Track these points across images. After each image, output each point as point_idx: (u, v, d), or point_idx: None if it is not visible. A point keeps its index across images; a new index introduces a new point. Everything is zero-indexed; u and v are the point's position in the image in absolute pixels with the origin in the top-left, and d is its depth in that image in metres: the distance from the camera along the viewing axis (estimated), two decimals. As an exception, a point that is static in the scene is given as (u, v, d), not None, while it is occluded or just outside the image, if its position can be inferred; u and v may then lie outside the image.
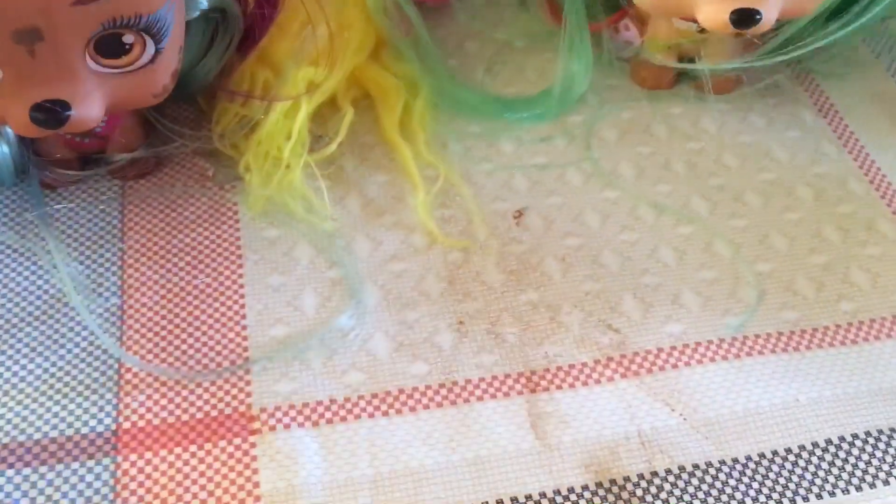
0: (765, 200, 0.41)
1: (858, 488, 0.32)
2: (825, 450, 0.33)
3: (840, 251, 0.39)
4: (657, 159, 0.42)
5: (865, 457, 0.32)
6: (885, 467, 0.32)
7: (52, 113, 0.32)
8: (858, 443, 0.33)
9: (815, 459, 0.32)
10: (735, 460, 0.32)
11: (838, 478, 0.32)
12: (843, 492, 0.31)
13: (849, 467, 0.32)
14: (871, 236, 0.39)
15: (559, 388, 0.34)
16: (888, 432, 0.33)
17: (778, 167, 0.42)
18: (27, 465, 0.31)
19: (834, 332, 0.36)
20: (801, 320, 0.36)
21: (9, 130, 0.36)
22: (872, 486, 0.32)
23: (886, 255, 0.39)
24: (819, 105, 0.45)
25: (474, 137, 0.43)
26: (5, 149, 0.36)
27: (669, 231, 0.39)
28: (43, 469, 0.31)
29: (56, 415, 0.32)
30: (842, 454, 0.32)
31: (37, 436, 0.32)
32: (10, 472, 0.31)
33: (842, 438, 0.33)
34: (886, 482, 0.32)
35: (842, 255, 0.39)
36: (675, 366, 0.35)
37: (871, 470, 0.32)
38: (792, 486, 0.31)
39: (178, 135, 0.39)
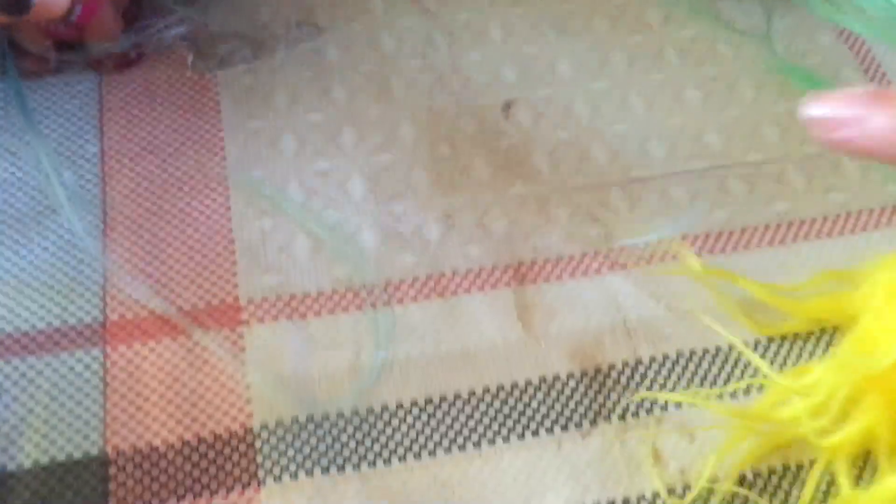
0: (757, 92, 0.40)
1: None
2: (806, 340, 0.33)
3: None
4: (650, 48, 0.41)
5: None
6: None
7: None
8: (839, 333, 0.33)
9: (795, 348, 0.33)
10: (718, 348, 0.32)
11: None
12: (823, 380, 0.32)
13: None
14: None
15: (546, 280, 0.34)
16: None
17: (772, 57, 0.41)
18: (15, 354, 0.31)
19: (822, 223, 0.36)
20: (790, 212, 0.36)
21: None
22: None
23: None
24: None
25: (461, 26, 0.41)
26: (-23, 37, 0.35)
27: (660, 123, 0.39)
28: (31, 359, 0.31)
29: (43, 306, 0.32)
30: (823, 344, 0.33)
31: (24, 327, 0.32)
32: (-1, 363, 0.31)
33: (823, 331, 0.33)
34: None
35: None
36: (662, 258, 0.35)
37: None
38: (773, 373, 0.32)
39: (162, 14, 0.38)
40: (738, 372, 0.32)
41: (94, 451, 0.29)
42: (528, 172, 0.37)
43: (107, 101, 0.37)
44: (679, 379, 0.32)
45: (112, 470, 0.29)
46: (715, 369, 0.32)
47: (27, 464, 0.29)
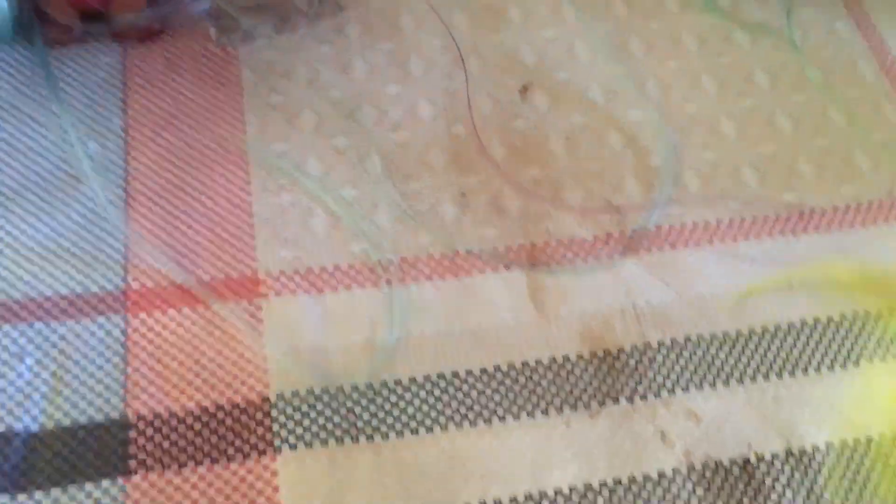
0: (772, 80, 0.40)
1: (843, 365, 0.33)
2: (813, 328, 0.34)
3: (844, 135, 0.39)
4: (668, 35, 0.42)
5: (852, 336, 0.33)
6: (871, 346, 0.33)
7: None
8: (846, 323, 0.34)
9: (802, 337, 0.33)
10: (726, 335, 0.33)
11: (824, 355, 0.33)
12: (828, 368, 0.33)
13: (835, 346, 0.33)
14: (878, 121, 0.39)
15: (559, 262, 0.35)
16: (876, 314, 0.34)
17: (789, 48, 0.41)
18: (39, 319, 0.32)
19: (832, 213, 0.36)
20: (798, 203, 0.37)
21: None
22: (857, 363, 0.33)
23: (891, 141, 0.39)
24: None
25: (482, 7, 0.42)
26: (2, 1, 0.35)
27: (676, 110, 0.39)
28: (55, 324, 0.32)
29: (66, 273, 0.33)
30: (829, 333, 0.34)
31: (47, 292, 0.32)
32: (22, 326, 0.31)
33: (829, 318, 0.34)
34: (871, 360, 0.33)
35: (845, 139, 0.39)
36: (673, 245, 0.35)
37: (857, 349, 0.33)
38: (780, 360, 0.33)
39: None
40: (745, 358, 0.33)
41: (115, 415, 0.30)
42: (543, 155, 0.37)
43: (130, 72, 0.38)
44: (687, 364, 0.32)
45: (132, 433, 0.30)
46: (722, 355, 0.33)
47: (50, 425, 0.30)
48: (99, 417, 0.30)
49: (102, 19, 0.38)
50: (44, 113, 0.36)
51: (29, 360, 0.31)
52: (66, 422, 0.30)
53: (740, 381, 0.32)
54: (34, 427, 0.30)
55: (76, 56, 0.38)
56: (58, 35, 0.37)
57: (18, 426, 0.30)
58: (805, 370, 0.33)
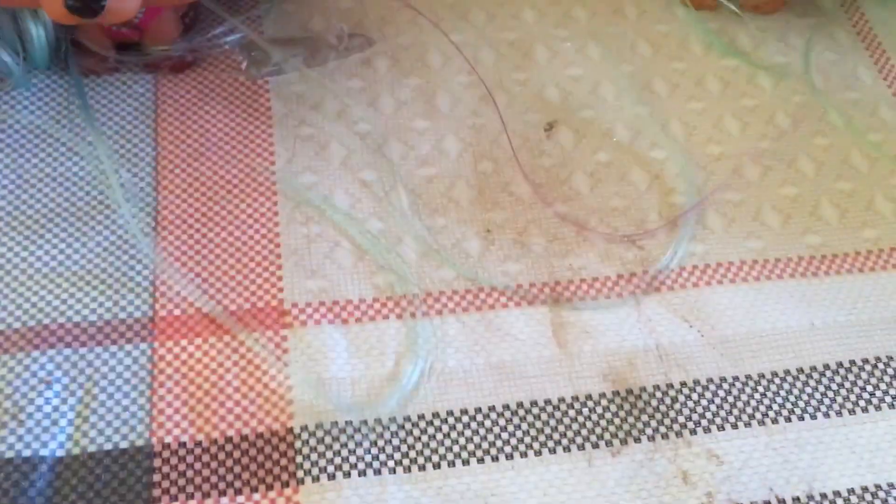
0: (795, 123, 0.41)
1: (865, 410, 0.33)
2: (836, 371, 0.34)
3: (867, 179, 0.39)
4: (691, 76, 0.42)
5: (874, 381, 0.33)
6: (893, 392, 0.33)
7: (87, 1, 0.31)
8: (868, 367, 0.34)
9: (824, 380, 0.33)
10: (748, 377, 0.33)
11: (846, 399, 0.33)
12: (849, 412, 0.33)
13: (857, 389, 0.33)
14: (899, 166, 0.40)
15: (582, 299, 0.35)
16: (898, 358, 0.34)
17: (811, 91, 0.42)
18: (68, 345, 0.32)
19: (854, 258, 0.37)
20: (822, 246, 0.37)
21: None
22: (878, 408, 0.33)
23: (912, 185, 0.39)
24: (858, 28, 0.45)
25: (507, 45, 0.42)
26: (41, 31, 0.36)
27: (699, 150, 0.39)
28: (83, 350, 0.32)
29: (94, 299, 0.33)
30: (851, 377, 0.34)
31: (76, 318, 0.33)
32: (51, 352, 0.32)
33: (852, 362, 0.34)
34: (892, 406, 0.33)
35: (868, 183, 0.39)
36: (696, 284, 0.35)
37: (878, 393, 0.33)
38: (801, 403, 0.33)
39: (219, 20, 0.39)
40: (766, 400, 0.33)
41: (140, 443, 0.30)
42: (567, 192, 0.38)
43: (162, 102, 0.38)
44: (709, 404, 0.32)
45: (157, 462, 0.30)
46: (745, 396, 0.33)
47: (75, 451, 0.30)
48: (124, 445, 0.30)
49: (136, 50, 0.38)
50: (78, 141, 0.37)
51: (56, 387, 0.31)
52: (92, 448, 0.30)
53: (762, 422, 0.32)
54: (60, 453, 0.30)
55: (109, 85, 0.39)
56: (92, 64, 0.38)
57: (44, 452, 0.30)
58: (827, 413, 0.33)
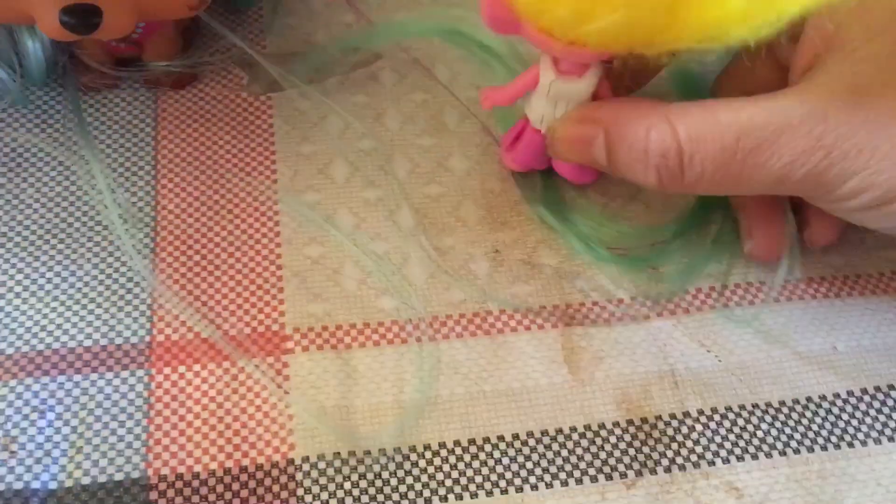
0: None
1: (892, 439, 0.31)
2: (860, 398, 0.32)
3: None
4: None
5: (900, 409, 0.32)
6: (920, 420, 0.32)
7: (82, 17, 0.31)
8: (894, 394, 0.32)
9: (848, 408, 0.32)
10: (769, 404, 0.32)
11: (871, 427, 0.32)
12: (875, 441, 0.31)
13: (882, 417, 0.32)
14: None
15: (594, 322, 0.34)
16: (925, 385, 0.33)
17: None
18: (62, 372, 0.31)
19: (877, 280, 0.35)
20: (845, 266, 0.36)
21: (41, 29, 0.35)
22: (905, 437, 0.32)
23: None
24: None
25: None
26: (38, 46, 0.35)
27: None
28: (77, 377, 0.31)
29: (90, 324, 0.32)
30: (877, 404, 0.32)
31: (71, 344, 0.32)
32: (44, 379, 0.31)
33: (877, 388, 0.33)
34: (919, 435, 0.32)
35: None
36: (712, 307, 0.34)
37: (905, 421, 0.32)
38: (825, 432, 0.31)
39: (220, 35, 0.38)
40: (788, 429, 0.31)
41: (136, 475, 0.29)
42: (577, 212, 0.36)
43: (162, 118, 0.37)
44: (727, 434, 0.31)
45: (153, 495, 0.29)
46: (764, 426, 0.31)
47: (69, 483, 0.29)
48: (119, 477, 0.29)
49: (136, 66, 0.37)
50: (76, 160, 0.36)
51: (50, 416, 0.30)
52: (86, 481, 0.29)
53: (783, 453, 0.31)
54: (52, 485, 0.29)
55: (109, 102, 0.38)
56: (91, 80, 0.37)
57: (36, 484, 0.29)
58: (851, 443, 0.31)
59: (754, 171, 0.28)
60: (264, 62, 0.38)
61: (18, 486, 0.29)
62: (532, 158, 0.35)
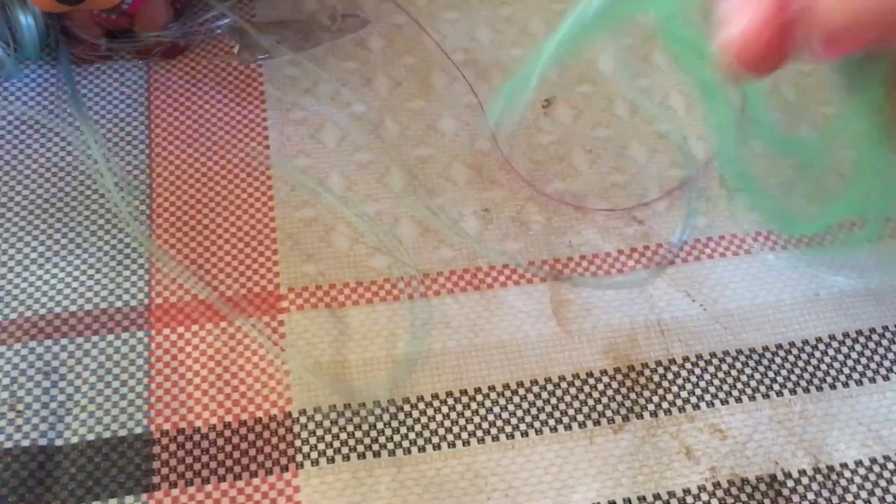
0: (798, 94, 0.40)
1: (872, 380, 0.32)
2: (842, 342, 0.33)
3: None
4: (690, 48, 0.41)
5: (881, 350, 0.33)
6: (900, 361, 0.33)
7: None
8: (875, 337, 0.33)
9: (830, 351, 0.33)
10: (752, 350, 0.33)
11: (853, 369, 0.32)
12: (856, 383, 0.32)
13: (864, 360, 0.33)
14: None
15: (582, 276, 0.34)
16: (906, 328, 0.34)
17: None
18: (64, 335, 0.32)
19: (860, 227, 0.36)
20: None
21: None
22: (886, 378, 0.32)
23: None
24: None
25: (504, 21, 0.42)
26: (30, 21, 0.36)
27: (699, 122, 0.39)
28: (80, 340, 0.32)
29: (90, 289, 0.33)
30: (858, 347, 0.33)
31: (72, 308, 0.32)
32: (48, 342, 0.32)
33: (859, 332, 0.33)
34: (900, 376, 0.32)
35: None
36: (697, 258, 0.35)
37: (886, 363, 0.33)
38: (807, 375, 0.32)
39: (210, 5, 0.38)
40: (771, 373, 0.32)
41: (139, 430, 0.30)
42: (566, 169, 0.37)
43: (155, 88, 0.38)
44: (712, 379, 0.32)
45: (156, 448, 0.30)
46: (748, 370, 0.32)
47: (74, 440, 0.30)
48: (123, 433, 0.30)
49: (127, 37, 0.38)
50: (71, 131, 0.36)
51: (54, 377, 0.31)
52: (90, 437, 0.30)
53: (766, 396, 0.32)
54: (58, 441, 0.30)
55: (102, 73, 0.38)
56: (83, 53, 0.38)
57: (43, 441, 0.30)
58: (833, 385, 0.32)
59: None
60: (254, 31, 0.39)
61: (26, 443, 0.30)
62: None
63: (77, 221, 0.34)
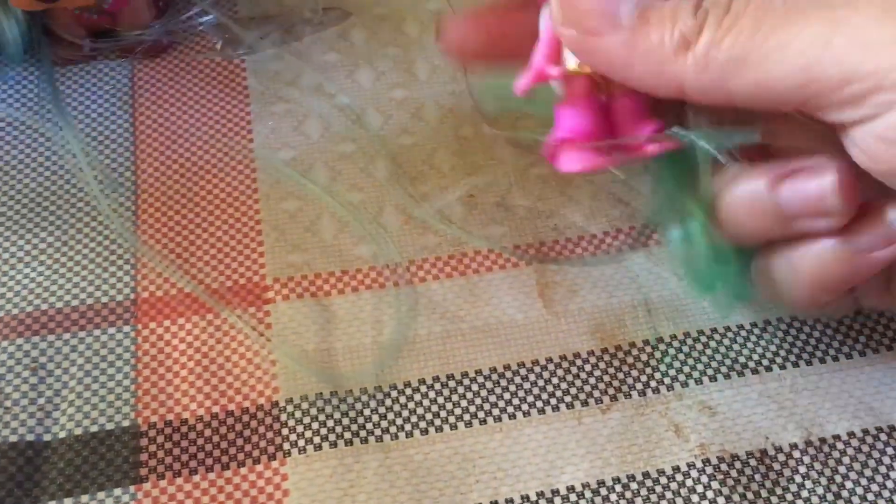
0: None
1: (863, 353, 0.32)
2: (831, 316, 0.33)
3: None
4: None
5: (871, 324, 0.33)
6: (891, 334, 0.32)
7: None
8: (861, 316, 0.33)
9: (819, 326, 0.33)
10: (741, 326, 0.33)
11: (843, 343, 0.32)
12: (846, 356, 0.32)
13: (853, 333, 0.32)
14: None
15: (568, 258, 0.34)
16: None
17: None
18: (51, 332, 0.32)
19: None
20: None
21: (17, 8, 0.36)
22: (876, 351, 0.32)
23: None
24: None
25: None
26: (12, 23, 0.36)
27: (684, 103, 0.39)
28: (66, 336, 0.32)
29: (76, 285, 0.33)
30: (847, 321, 0.33)
31: (58, 304, 0.33)
32: (35, 339, 0.32)
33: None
34: (890, 348, 0.32)
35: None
36: (684, 236, 0.35)
37: (877, 336, 0.32)
38: (797, 350, 0.32)
39: (190, 6, 0.39)
40: (759, 349, 0.32)
41: (126, 423, 0.30)
42: (550, 153, 0.37)
43: (138, 86, 0.38)
44: (700, 356, 0.32)
45: (143, 441, 0.30)
46: (736, 346, 0.32)
47: (62, 434, 0.30)
48: (110, 426, 0.30)
49: (110, 36, 0.38)
50: (56, 131, 0.37)
51: (41, 373, 0.31)
52: (78, 431, 0.30)
53: (755, 371, 0.32)
54: (46, 436, 0.30)
55: (85, 73, 0.38)
56: (66, 53, 0.38)
57: (31, 437, 0.30)
58: (823, 359, 0.32)
59: None
60: (236, 26, 0.39)
61: (14, 439, 0.30)
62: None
63: (63, 219, 0.35)
